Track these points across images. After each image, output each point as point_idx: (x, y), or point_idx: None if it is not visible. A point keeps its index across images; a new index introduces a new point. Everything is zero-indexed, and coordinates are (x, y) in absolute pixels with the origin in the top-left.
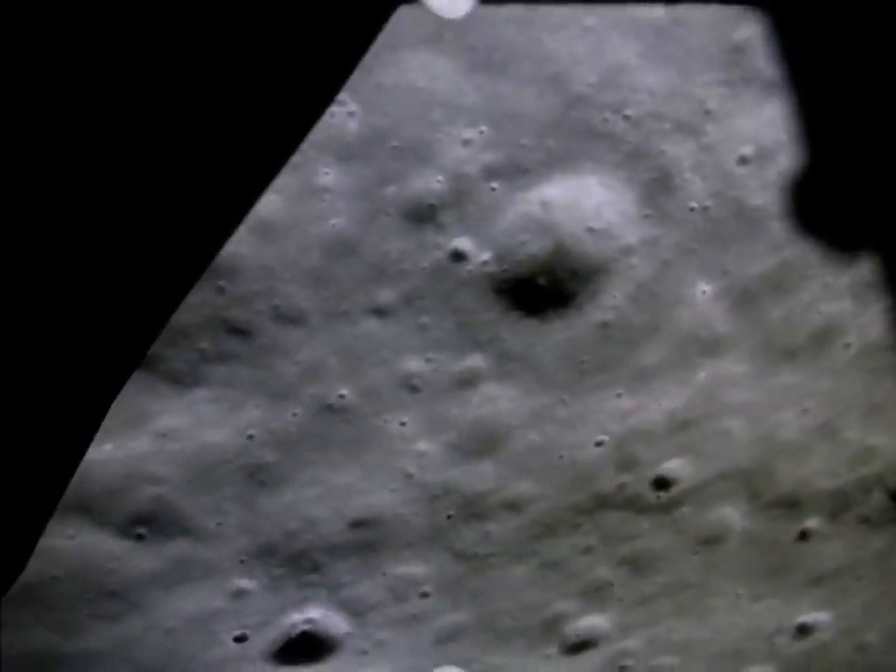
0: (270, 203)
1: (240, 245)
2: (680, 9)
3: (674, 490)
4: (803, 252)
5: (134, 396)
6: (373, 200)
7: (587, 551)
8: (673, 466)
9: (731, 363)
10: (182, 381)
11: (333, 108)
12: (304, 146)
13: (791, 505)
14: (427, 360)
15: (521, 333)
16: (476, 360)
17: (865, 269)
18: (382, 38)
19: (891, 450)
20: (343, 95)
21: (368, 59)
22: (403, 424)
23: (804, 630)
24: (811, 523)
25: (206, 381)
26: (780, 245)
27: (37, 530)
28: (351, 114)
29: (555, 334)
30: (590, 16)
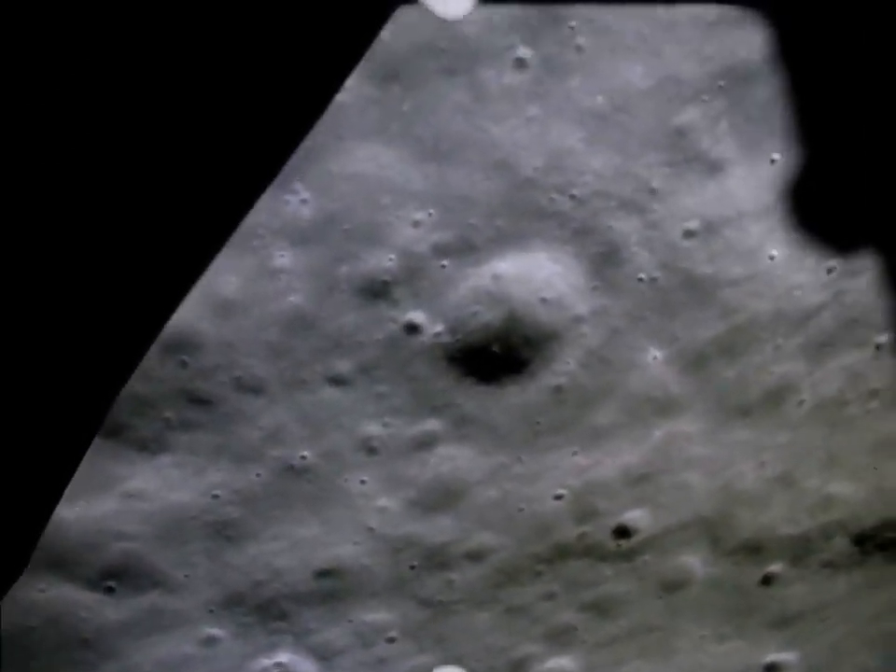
0: (229, 284)
1: (202, 322)
2: (620, 97)
3: (634, 539)
4: (753, 316)
5: (103, 461)
6: (328, 278)
7: (550, 597)
8: (633, 516)
9: (685, 422)
10: (148, 447)
11: (287, 196)
12: (260, 231)
13: (753, 551)
14: (385, 425)
15: (476, 398)
16: (432, 424)
17: (816, 329)
18: (331, 129)
19: (852, 498)
20: (296, 184)
21: (318, 149)
22: (363, 482)
23: (771, 669)
24: (774, 567)
25: (171, 447)
26: (730, 311)
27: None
28: (304, 201)
29: (510, 398)
30: (532, 106)
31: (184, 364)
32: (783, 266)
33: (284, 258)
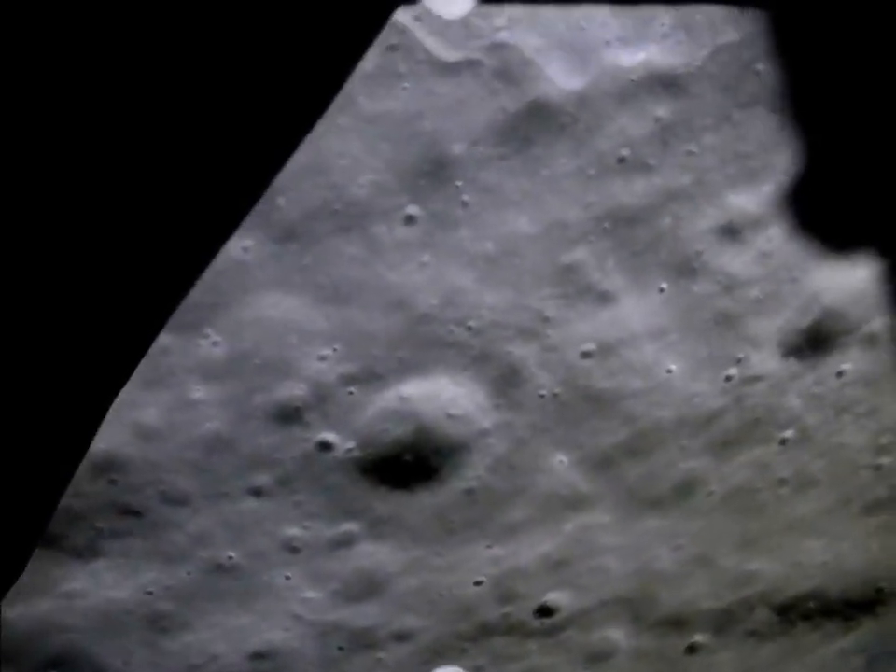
0: (150, 415)
1: (127, 447)
2: (509, 242)
3: (557, 617)
4: (656, 422)
5: (41, 568)
6: (243, 407)
7: (478, 669)
8: (553, 597)
9: (597, 515)
10: (82, 554)
11: (198, 340)
12: (176, 370)
13: (676, 624)
14: (305, 528)
15: (390, 502)
16: (350, 526)
17: (720, 430)
18: (236, 284)
19: (772, 573)
20: (206, 329)
21: (225, 301)
22: (288, 577)
23: None
24: (699, 637)
25: (104, 553)
26: (633, 418)
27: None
28: (215, 343)
29: (423, 501)
30: (424, 254)
31: (113, 481)
32: (681, 378)
33: (199, 391)
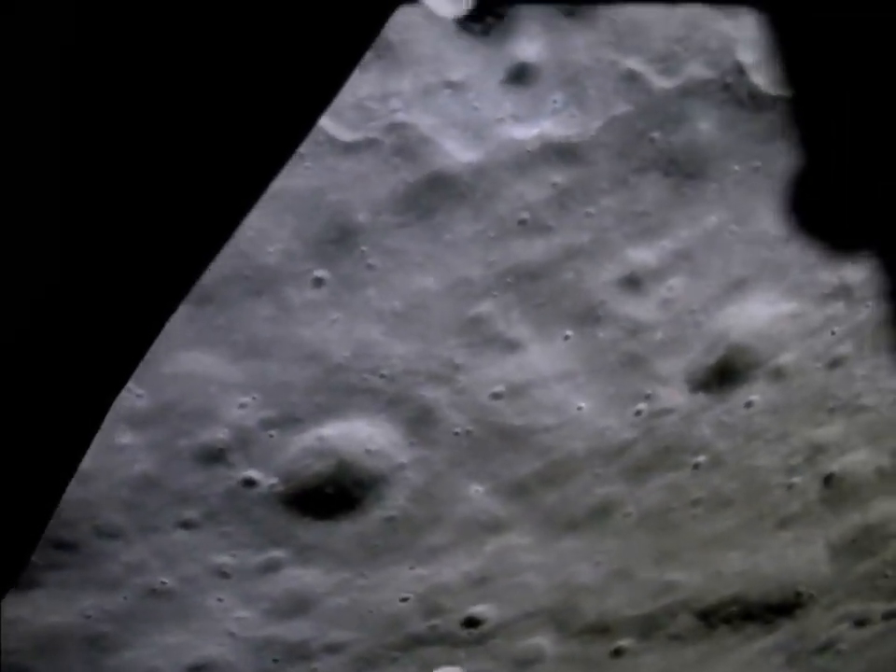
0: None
1: None
2: (416, 299)
3: (484, 627)
4: (569, 453)
5: None
6: (169, 450)
7: None
8: (479, 609)
9: (516, 537)
10: (19, 585)
11: (123, 394)
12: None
13: (600, 631)
14: (233, 556)
15: (315, 531)
16: (277, 553)
17: (632, 459)
18: (157, 344)
19: (691, 583)
20: (130, 384)
21: (146, 357)
22: (220, 600)
23: None
24: (623, 642)
25: (42, 584)
26: (546, 451)
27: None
28: (139, 396)
29: (346, 529)
30: (334, 312)
31: None
32: (591, 413)
33: (126, 437)
